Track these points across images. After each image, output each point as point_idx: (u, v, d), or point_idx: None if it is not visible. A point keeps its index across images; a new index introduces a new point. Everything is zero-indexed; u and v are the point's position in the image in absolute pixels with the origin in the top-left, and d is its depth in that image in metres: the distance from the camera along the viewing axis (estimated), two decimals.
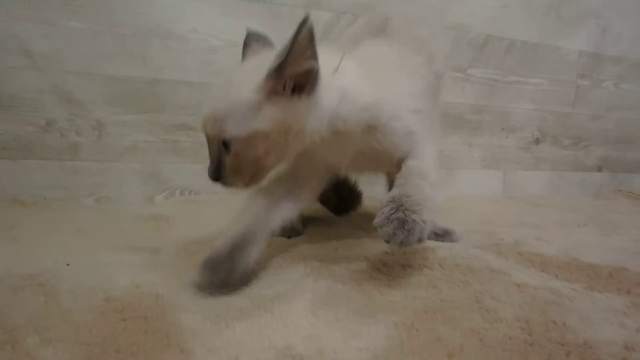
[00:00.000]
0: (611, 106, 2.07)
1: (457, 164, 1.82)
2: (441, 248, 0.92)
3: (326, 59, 0.74)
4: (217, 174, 0.75)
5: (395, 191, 0.75)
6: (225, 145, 0.73)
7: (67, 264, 0.77)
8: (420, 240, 0.69)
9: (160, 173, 1.45)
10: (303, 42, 0.68)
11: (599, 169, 2.10)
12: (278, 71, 0.70)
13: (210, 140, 0.75)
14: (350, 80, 0.80)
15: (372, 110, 0.81)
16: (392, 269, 0.80)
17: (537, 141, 1.95)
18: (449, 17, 1.73)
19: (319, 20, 1.56)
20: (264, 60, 0.72)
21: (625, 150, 2.14)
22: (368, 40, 1.02)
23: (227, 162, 0.74)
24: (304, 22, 0.68)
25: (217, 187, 0.78)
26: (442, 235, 1.12)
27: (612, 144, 2.11)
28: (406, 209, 0.70)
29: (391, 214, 0.70)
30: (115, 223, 1.12)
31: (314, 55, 0.70)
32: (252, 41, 0.92)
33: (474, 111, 1.82)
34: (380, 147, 0.84)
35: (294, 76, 0.71)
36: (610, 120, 2.08)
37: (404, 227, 0.68)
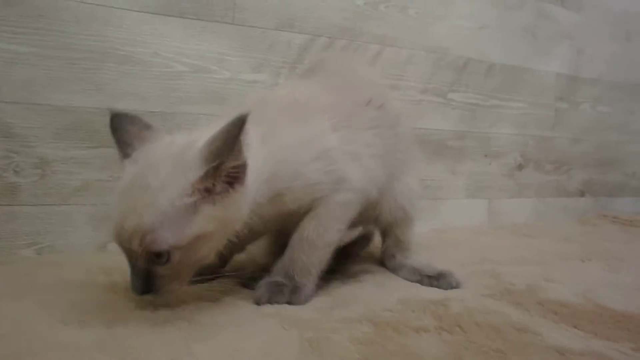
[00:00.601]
0: (590, 129, 2.07)
1: (441, 193, 1.74)
2: (452, 302, 0.81)
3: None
4: (149, 287, 0.72)
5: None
6: (158, 256, 0.70)
7: None
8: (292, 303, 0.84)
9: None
10: (239, 137, 0.69)
11: (582, 194, 2.08)
12: (215, 169, 0.70)
13: (132, 254, 0.70)
14: (252, 154, 0.77)
15: (271, 182, 0.83)
16: (404, 334, 0.68)
17: (520, 167, 1.91)
18: (428, 39, 1.68)
19: (293, 43, 1.46)
20: (177, 156, 0.72)
21: (606, 173, 2.14)
22: (291, 82, 1.15)
23: (162, 272, 0.72)
24: (242, 120, 0.68)
25: None
26: (437, 277, 1.03)
27: (593, 167, 2.10)
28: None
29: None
30: (58, 282, 0.93)
31: (243, 147, 0.71)
32: (124, 124, 0.82)
33: (456, 137, 1.76)
34: (294, 208, 0.88)
35: (229, 170, 0.72)
36: (590, 143, 2.08)
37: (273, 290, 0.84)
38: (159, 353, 0.60)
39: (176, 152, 0.73)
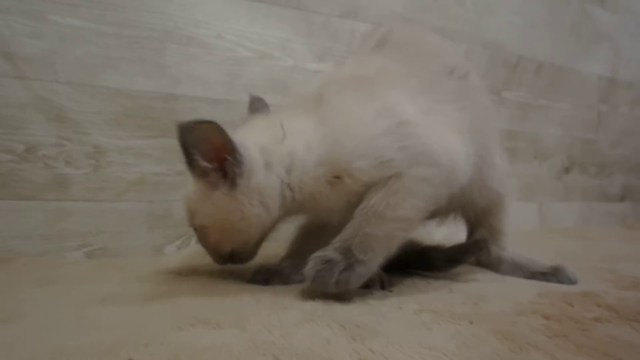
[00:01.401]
0: (628, 131, 2.08)
1: None
2: (598, 294, 0.76)
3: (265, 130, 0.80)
4: None
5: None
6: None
7: None
8: (341, 283, 0.70)
9: (172, 215, 1.16)
10: (194, 142, 0.72)
11: (622, 198, 2.07)
12: (192, 169, 0.75)
13: None
14: (297, 141, 0.78)
15: (327, 163, 0.76)
16: (588, 325, 0.61)
17: (567, 170, 1.89)
18: (483, 33, 1.65)
19: (357, 32, 1.40)
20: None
21: None
22: (357, 58, 1.02)
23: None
24: (182, 129, 0.70)
25: None
26: (553, 273, 0.94)
27: (632, 171, 2.10)
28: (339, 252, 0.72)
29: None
30: (112, 294, 0.75)
31: (226, 148, 0.73)
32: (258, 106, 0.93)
33: (509, 137, 1.72)
34: (360, 190, 0.77)
35: (214, 170, 0.75)
36: (627, 147, 2.08)
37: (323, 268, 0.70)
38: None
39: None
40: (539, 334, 0.59)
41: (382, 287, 0.81)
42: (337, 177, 0.76)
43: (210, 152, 0.74)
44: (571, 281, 0.92)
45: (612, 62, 2.01)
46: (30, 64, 1.00)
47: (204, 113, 1.18)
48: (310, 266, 0.71)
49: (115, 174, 1.10)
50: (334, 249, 0.73)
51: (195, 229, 0.82)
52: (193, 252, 1.15)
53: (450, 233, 1.16)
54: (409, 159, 0.75)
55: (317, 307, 0.68)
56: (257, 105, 0.96)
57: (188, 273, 0.90)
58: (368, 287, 0.79)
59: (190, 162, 0.74)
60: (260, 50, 1.26)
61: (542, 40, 1.79)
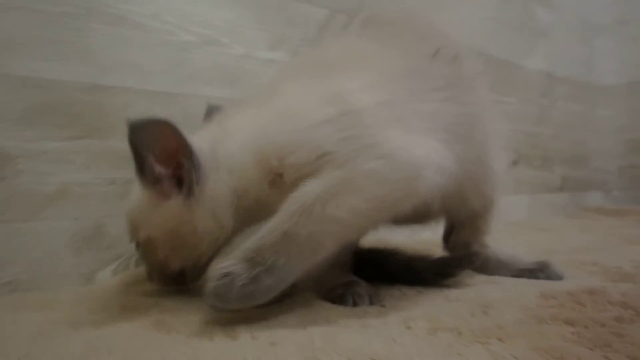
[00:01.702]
0: (564, 125, 2.16)
1: None
2: (598, 290, 0.72)
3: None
4: None
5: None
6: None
7: None
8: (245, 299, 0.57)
9: (104, 233, 0.95)
10: (149, 143, 0.66)
11: (561, 189, 2.14)
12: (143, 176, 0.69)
13: None
14: (235, 140, 0.70)
15: (261, 161, 0.66)
16: (610, 327, 0.55)
17: (515, 163, 1.90)
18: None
19: (312, 18, 1.26)
20: None
21: (578, 169, 2.24)
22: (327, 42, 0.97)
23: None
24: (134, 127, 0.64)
25: None
26: (540, 269, 0.89)
27: (569, 163, 2.18)
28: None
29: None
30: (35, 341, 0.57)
31: (182, 151, 0.66)
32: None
33: None
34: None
35: (168, 177, 0.69)
36: (565, 139, 2.16)
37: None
38: None
39: None
40: (578, 345, 0.52)
41: (371, 302, 0.70)
42: (279, 175, 0.65)
43: (165, 156, 0.67)
44: (559, 277, 0.87)
45: (550, 58, 2.07)
46: None
47: (139, 108, 0.99)
48: (209, 282, 0.57)
49: (27, 185, 0.87)
50: (238, 257, 0.58)
51: (137, 245, 0.75)
52: (133, 276, 0.95)
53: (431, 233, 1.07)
54: (352, 153, 0.61)
55: (313, 337, 0.54)
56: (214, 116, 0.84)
57: (132, 306, 0.72)
58: (356, 304, 0.68)
59: (142, 168, 0.68)
60: (205, 35, 1.08)
61: (489, 34, 1.78)
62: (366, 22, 0.91)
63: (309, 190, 0.60)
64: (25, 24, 0.86)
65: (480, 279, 0.88)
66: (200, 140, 0.70)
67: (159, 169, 0.67)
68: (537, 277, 0.87)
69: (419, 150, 0.66)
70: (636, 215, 1.83)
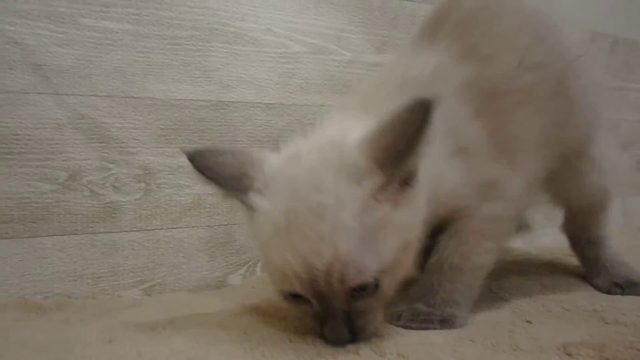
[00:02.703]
0: None
1: None
2: None
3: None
4: (352, 331, 0.60)
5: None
6: (364, 288, 0.57)
7: None
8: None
9: (233, 240, 1.03)
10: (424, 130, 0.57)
11: None
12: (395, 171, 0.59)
13: (330, 296, 0.57)
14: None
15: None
16: None
17: None
18: None
19: (417, 15, 1.26)
20: (332, 164, 0.58)
21: None
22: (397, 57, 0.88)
23: (364, 306, 0.60)
24: (425, 106, 0.55)
25: None
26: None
27: None
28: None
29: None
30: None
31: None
32: (211, 159, 0.66)
33: None
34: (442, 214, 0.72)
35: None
36: None
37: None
38: None
39: (327, 161, 0.59)
40: None
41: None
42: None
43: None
44: None
45: None
46: (64, 77, 0.88)
47: (258, 121, 1.06)
48: (406, 319, 0.69)
49: (168, 197, 0.97)
50: (421, 301, 0.72)
51: (372, 283, 0.58)
52: (260, 280, 1.02)
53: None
54: (478, 189, 0.71)
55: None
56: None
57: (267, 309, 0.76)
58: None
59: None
60: (314, 44, 1.12)
61: (615, 14, 1.63)
62: (446, 17, 0.79)
63: (447, 248, 0.72)
64: (159, 50, 0.96)
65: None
66: None
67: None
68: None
69: (522, 174, 0.74)
70: None
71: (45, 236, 0.86)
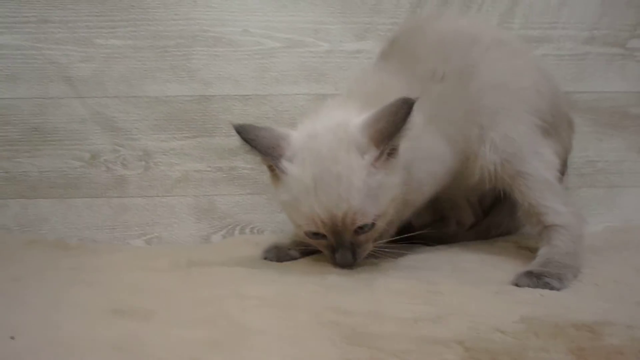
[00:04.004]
0: None
1: (620, 180, 1.35)
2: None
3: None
4: (355, 258, 0.88)
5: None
6: (362, 228, 0.85)
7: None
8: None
9: (215, 208, 1.30)
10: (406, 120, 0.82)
11: None
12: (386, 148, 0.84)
13: (342, 233, 0.84)
14: None
15: None
16: None
17: None
18: None
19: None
20: (343, 143, 0.84)
21: None
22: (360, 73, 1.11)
23: (363, 239, 0.87)
24: (409, 104, 0.80)
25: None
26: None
27: None
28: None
29: None
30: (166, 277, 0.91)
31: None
32: (254, 132, 0.90)
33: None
34: None
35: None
36: None
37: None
38: None
39: (340, 139, 0.84)
40: None
41: None
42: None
43: None
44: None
45: None
46: (85, 84, 1.23)
47: (237, 111, 1.27)
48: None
49: (163, 172, 1.28)
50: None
51: (370, 224, 0.85)
52: (237, 241, 1.28)
53: None
54: None
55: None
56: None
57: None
58: None
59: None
60: (289, 39, 1.26)
61: None
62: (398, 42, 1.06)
63: None
64: (152, 58, 1.24)
65: None
66: None
67: None
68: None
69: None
70: None
71: (77, 198, 1.27)
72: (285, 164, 0.85)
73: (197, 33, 1.24)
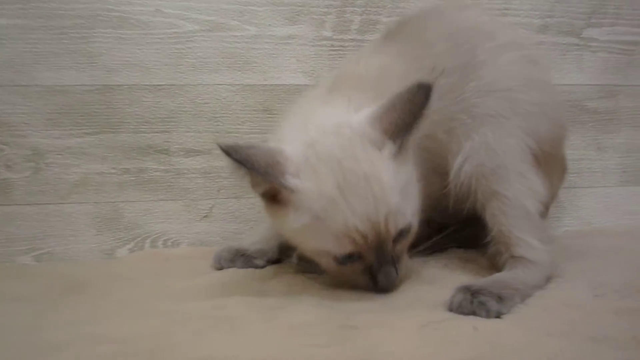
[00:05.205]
0: None
1: (580, 180, 1.25)
2: None
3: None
4: (397, 275, 0.76)
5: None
6: (402, 232, 0.74)
7: None
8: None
9: (121, 216, 1.12)
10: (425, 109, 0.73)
11: None
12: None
13: (384, 240, 0.72)
14: None
15: None
16: None
17: None
18: None
19: None
20: (356, 142, 0.72)
21: None
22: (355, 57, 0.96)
23: (401, 248, 0.77)
24: (427, 89, 0.71)
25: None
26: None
27: None
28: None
29: None
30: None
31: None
32: (244, 151, 0.73)
33: (601, 95, 1.25)
34: None
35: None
36: None
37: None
38: None
39: (349, 138, 0.73)
40: None
41: None
42: None
43: None
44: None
45: None
46: None
47: (147, 103, 1.10)
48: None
49: (57, 175, 1.09)
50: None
51: (408, 226, 0.75)
52: (147, 255, 1.10)
53: None
54: None
55: None
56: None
57: None
58: None
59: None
60: (210, 21, 1.11)
61: None
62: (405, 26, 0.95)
63: None
64: (46, 41, 1.06)
65: None
66: None
67: None
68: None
69: None
70: None
71: None
72: (292, 180, 0.71)
73: (99, 12, 1.08)
